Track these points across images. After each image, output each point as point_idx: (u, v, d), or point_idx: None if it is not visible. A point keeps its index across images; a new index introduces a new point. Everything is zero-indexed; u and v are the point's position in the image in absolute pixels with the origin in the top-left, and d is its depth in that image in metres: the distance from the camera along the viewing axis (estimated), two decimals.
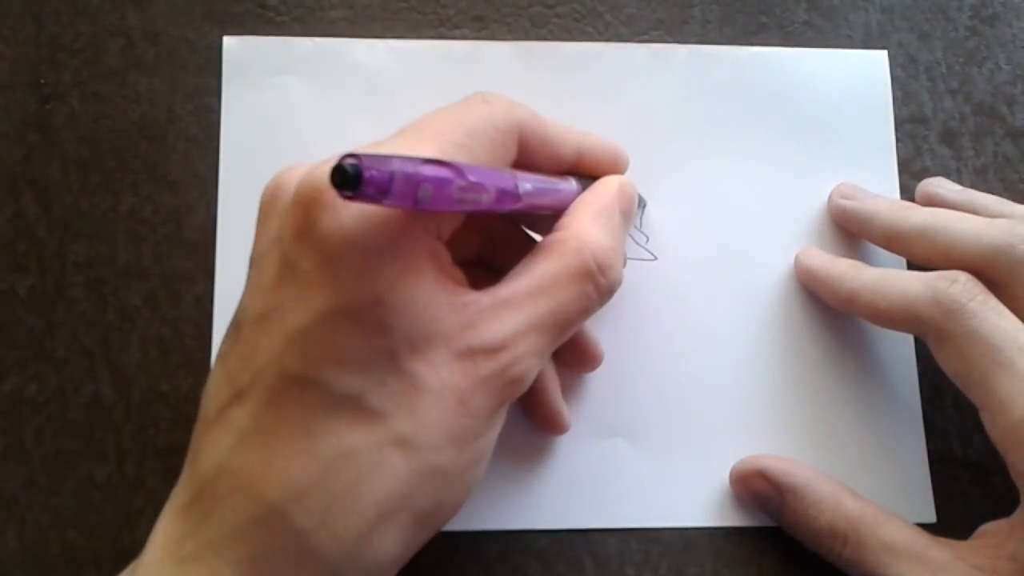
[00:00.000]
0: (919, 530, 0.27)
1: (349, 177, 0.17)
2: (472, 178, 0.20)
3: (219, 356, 0.22)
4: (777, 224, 0.32)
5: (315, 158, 0.31)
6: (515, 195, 0.22)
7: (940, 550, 0.26)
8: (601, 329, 0.30)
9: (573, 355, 0.29)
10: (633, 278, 0.31)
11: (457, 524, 0.29)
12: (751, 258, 0.32)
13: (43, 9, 0.32)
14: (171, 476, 0.22)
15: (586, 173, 0.27)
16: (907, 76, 0.34)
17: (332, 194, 0.19)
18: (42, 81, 0.32)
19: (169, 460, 0.29)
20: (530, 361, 0.22)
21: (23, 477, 0.29)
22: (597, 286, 0.23)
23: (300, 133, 0.32)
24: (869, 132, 0.33)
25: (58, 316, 0.30)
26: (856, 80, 0.33)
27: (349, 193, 0.17)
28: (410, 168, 0.18)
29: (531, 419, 0.29)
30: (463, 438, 0.21)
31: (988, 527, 0.27)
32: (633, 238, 0.32)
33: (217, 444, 0.21)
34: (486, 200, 0.21)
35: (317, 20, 0.32)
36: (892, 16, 0.34)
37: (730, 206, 0.32)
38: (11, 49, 0.32)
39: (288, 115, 0.32)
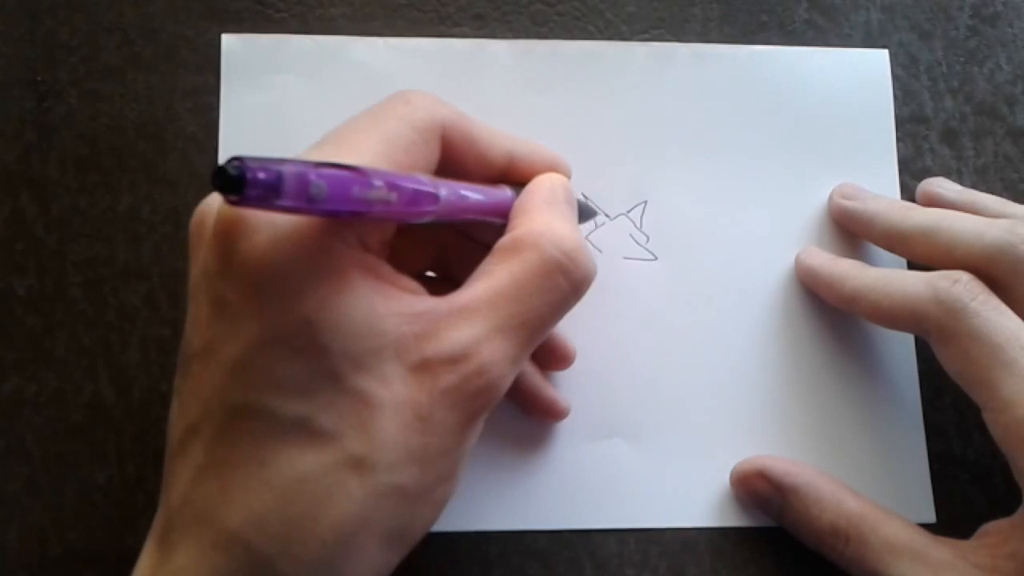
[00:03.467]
0: (920, 529, 0.27)
1: (231, 179, 0.16)
2: (376, 180, 0.19)
3: (174, 389, 0.22)
4: (777, 224, 0.32)
5: None
6: (432, 195, 0.21)
7: (941, 549, 0.26)
8: (601, 329, 0.30)
9: (543, 354, 0.29)
10: (633, 278, 0.31)
11: (457, 524, 0.29)
12: (751, 258, 0.32)
13: (40, 6, 0.32)
14: None
15: (519, 181, 0.25)
16: (908, 75, 0.34)
17: (247, 222, 0.19)
18: (39, 79, 0.31)
19: None
20: (499, 368, 0.21)
21: (24, 478, 0.29)
22: (567, 275, 0.22)
23: (299, 131, 0.31)
24: (869, 132, 0.33)
25: (58, 316, 0.30)
26: (857, 79, 0.33)
27: (234, 197, 0.16)
28: (300, 167, 0.17)
29: (529, 414, 0.29)
30: (427, 457, 0.21)
31: (989, 526, 0.27)
32: (633, 238, 0.32)
33: (180, 476, 0.21)
34: (398, 201, 0.20)
35: (316, 18, 0.32)
36: (893, 15, 0.34)
37: (730, 206, 0.32)
38: (7, 46, 0.32)
39: (287, 113, 0.31)
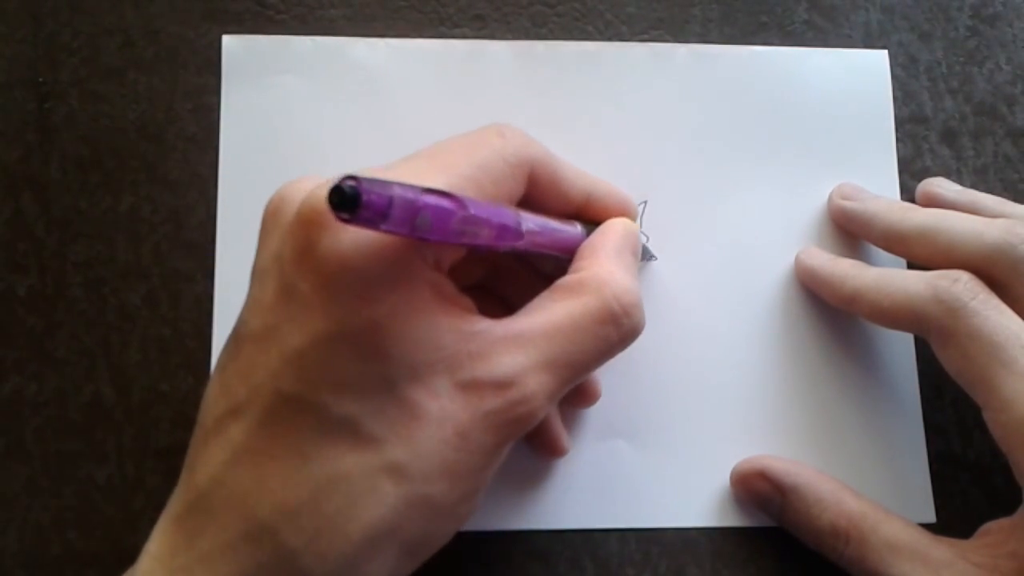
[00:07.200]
0: (921, 529, 0.27)
1: (347, 199, 0.17)
2: (473, 211, 0.20)
3: (218, 367, 0.22)
4: (777, 224, 0.32)
5: (315, 157, 0.31)
6: (517, 232, 0.22)
7: (942, 548, 0.26)
8: None
9: (572, 390, 0.29)
10: None
11: None
12: (751, 258, 0.32)
13: (41, 7, 0.32)
14: (171, 476, 0.22)
15: (592, 219, 0.27)
16: (907, 76, 0.34)
17: (333, 217, 0.19)
18: (40, 80, 0.31)
19: (169, 460, 0.29)
20: (539, 401, 0.22)
21: (24, 477, 0.29)
22: (619, 327, 0.23)
23: (300, 132, 0.32)
24: (869, 132, 0.33)
25: (58, 316, 0.30)
26: (856, 80, 0.33)
27: (346, 215, 0.17)
28: (410, 195, 0.18)
29: (529, 444, 0.29)
30: (458, 473, 0.21)
31: (990, 526, 0.27)
32: None
33: (212, 457, 0.21)
34: (486, 235, 0.20)
35: (317, 19, 0.32)
36: (892, 16, 0.34)
37: (730, 206, 0.32)
38: (9, 47, 0.32)
39: (288, 114, 0.32)
